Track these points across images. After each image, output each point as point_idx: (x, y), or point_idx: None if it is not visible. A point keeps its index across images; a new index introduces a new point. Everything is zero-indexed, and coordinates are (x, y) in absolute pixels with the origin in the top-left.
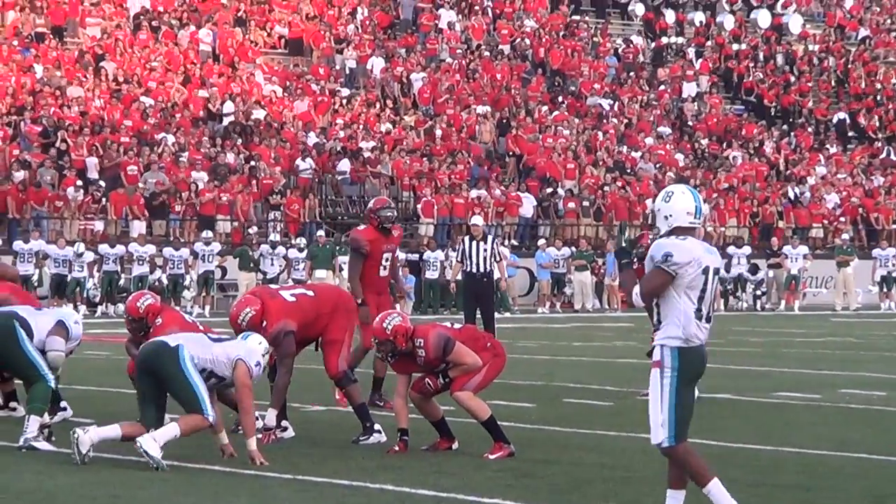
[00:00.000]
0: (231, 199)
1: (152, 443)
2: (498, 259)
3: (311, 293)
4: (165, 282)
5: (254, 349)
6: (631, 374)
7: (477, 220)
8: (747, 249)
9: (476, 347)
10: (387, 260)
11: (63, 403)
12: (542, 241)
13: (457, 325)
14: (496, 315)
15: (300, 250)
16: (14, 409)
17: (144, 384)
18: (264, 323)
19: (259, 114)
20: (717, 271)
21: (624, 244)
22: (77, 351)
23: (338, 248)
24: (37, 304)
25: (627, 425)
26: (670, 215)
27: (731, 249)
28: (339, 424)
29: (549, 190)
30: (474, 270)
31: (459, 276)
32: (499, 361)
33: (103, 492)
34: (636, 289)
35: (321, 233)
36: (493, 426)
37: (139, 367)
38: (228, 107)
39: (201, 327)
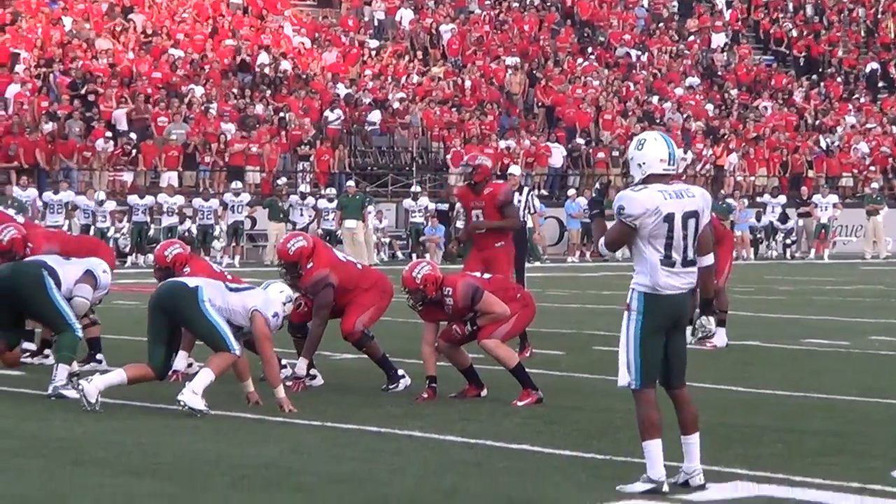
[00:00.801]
0: (260, 151)
1: (192, 396)
2: (532, 211)
3: (359, 266)
4: (195, 232)
5: (273, 298)
6: None
7: (514, 169)
8: (782, 199)
9: (505, 298)
10: (477, 217)
11: (99, 356)
12: (571, 191)
13: (486, 276)
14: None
15: (330, 200)
16: (47, 357)
17: (157, 322)
18: (310, 264)
19: (287, 65)
20: (690, 215)
21: (594, 195)
22: (106, 301)
23: (367, 198)
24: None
25: None
26: (643, 163)
27: (766, 198)
28: (367, 372)
29: (582, 141)
30: None
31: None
32: (528, 312)
33: (131, 439)
34: (602, 237)
35: (351, 183)
36: (522, 373)
37: (154, 306)
38: (264, 57)
39: (230, 277)
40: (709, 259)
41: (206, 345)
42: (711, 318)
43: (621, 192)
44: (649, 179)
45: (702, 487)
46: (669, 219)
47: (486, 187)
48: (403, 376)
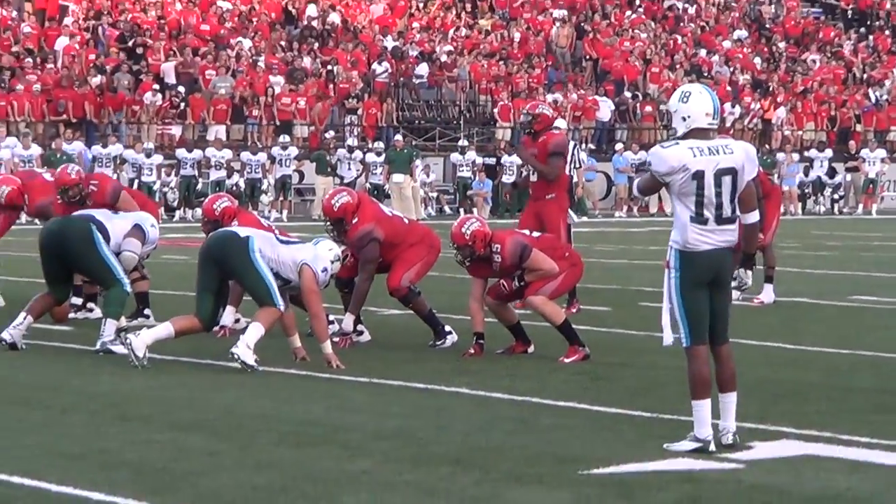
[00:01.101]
0: (308, 105)
1: (246, 350)
2: (577, 165)
3: (406, 220)
4: (243, 186)
5: (322, 255)
6: None
7: (560, 123)
8: (829, 153)
9: (554, 256)
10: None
11: (147, 311)
12: (618, 146)
13: (535, 234)
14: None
15: (378, 154)
16: (91, 311)
17: (208, 272)
18: (355, 219)
19: (335, 17)
20: (725, 172)
21: None
22: (154, 255)
23: (415, 152)
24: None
25: None
26: (688, 116)
27: (812, 153)
28: (414, 328)
29: (629, 94)
30: None
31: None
32: (576, 270)
33: (179, 394)
34: (637, 180)
35: (399, 137)
36: (569, 330)
37: (204, 255)
38: (312, 10)
39: (277, 231)
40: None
41: (252, 297)
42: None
43: (654, 149)
44: (692, 133)
45: (732, 447)
46: (699, 176)
47: (543, 135)
48: (451, 332)
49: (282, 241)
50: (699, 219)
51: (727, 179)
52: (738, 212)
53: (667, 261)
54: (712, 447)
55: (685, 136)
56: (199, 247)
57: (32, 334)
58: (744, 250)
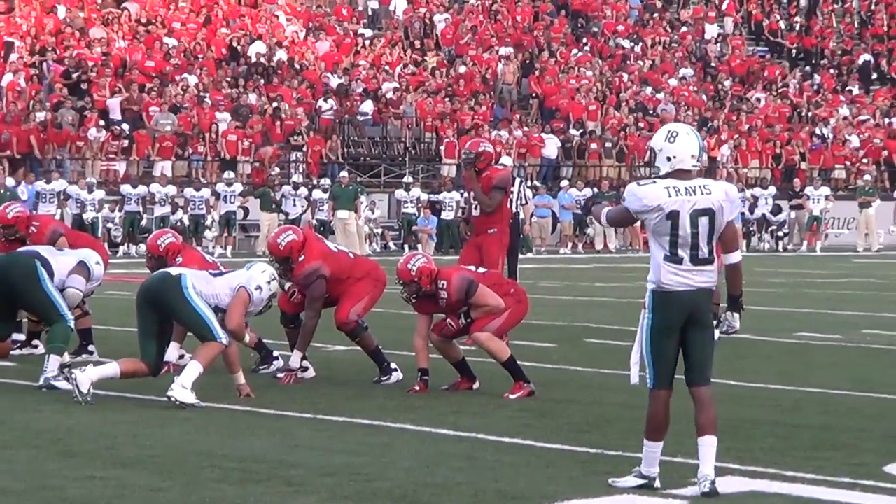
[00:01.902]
0: (253, 142)
1: (182, 390)
2: (524, 202)
3: (351, 255)
4: (187, 222)
5: (255, 276)
6: None
7: (506, 160)
8: (772, 190)
9: (499, 292)
10: (475, 200)
11: (91, 346)
12: (564, 183)
13: (481, 270)
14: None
15: (324, 191)
16: (35, 347)
17: (146, 317)
18: (301, 257)
19: (281, 55)
20: (702, 213)
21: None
22: (98, 291)
23: (360, 189)
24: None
25: None
26: (674, 156)
27: (757, 191)
28: (360, 364)
29: (578, 131)
30: None
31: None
32: (521, 308)
33: (123, 430)
34: (606, 210)
35: (344, 174)
36: (514, 366)
37: (141, 299)
38: (259, 47)
39: (222, 267)
40: (736, 256)
41: (193, 334)
42: (736, 315)
43: (629, 185)
44: (675, 174)
45: (710, 493)
46: (673, 216)
47: (486, 171)
48: (396, 369)
49: (215, 275)
50: (674, 258)
51: (704, 220)
52: (715, 253)
53: (643, 302)
54: (657, 483)
55: (666, 176)
56: (137, 291)
57: None
58: (729, 293)
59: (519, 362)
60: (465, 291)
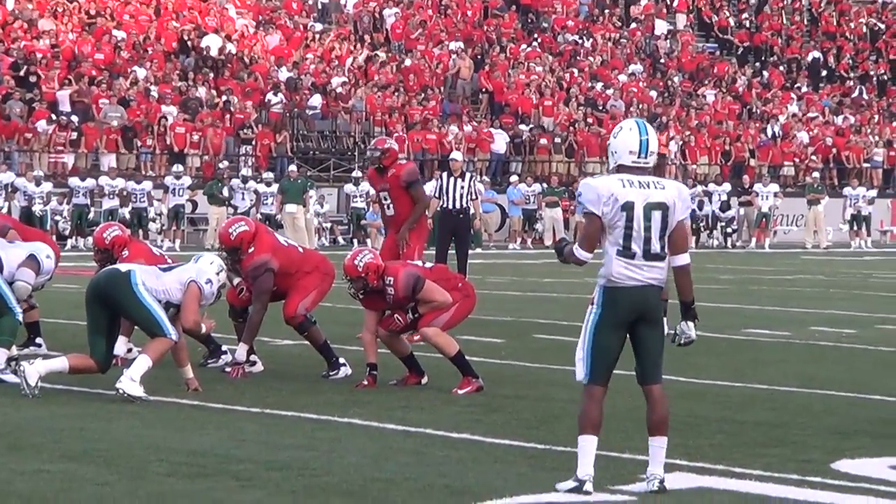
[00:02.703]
0: (202, 135)
1: (131, 383)
2: (473, 197)
3: (300, 249)
4: (128, 216)
5: (204, 269)
6: None
7: (456, 155)
8: (727, 187)
9: (447, 287)
10: (385, 199)
11: (39, 339)
12: (513, 178)
13: (428, 265)
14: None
15: (268, 185)
16: None
17: (95, 314)
18: (251, 248)
19: (231, 48)
20: (656, 206)
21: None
22: (46, 284)
23: (309, 183)
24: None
25: None
26: (615, 152)
27: (711, 187)
28: (308, 359)
29: (525, 127)
30: (451, 207)
31: (435, 211)
32: (468, 302)
33: (70, 424)
34: (573, 245)
35: (293, 168)
36: (462, 361)
37: (89, 296)
38: (211, 40)
39: (170, 261)
40: (684, 258)
41: (143, 330)
42: (690, 323)
43: (582, 181)
44: (620, 169)
45: (658, 492)
46: (628, 207)
47: (392, 169)
48: (344, 364)
49: (164, 269)
50: (626, 252)
51: (657, 214)
52: (666, 250)
53: (592, 298)
54: (588, 486)
55: (614, 171)
56: (86, 287)
57: None
58: (681, 298)
59: (467, 357)
60: (412, 287)
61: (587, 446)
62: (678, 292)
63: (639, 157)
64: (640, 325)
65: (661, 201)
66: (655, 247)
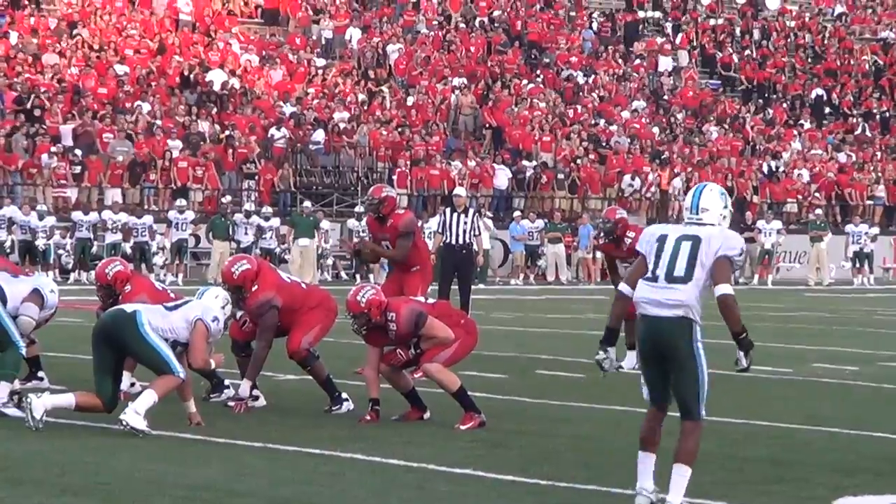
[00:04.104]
0: (205, 170)
1: (135, 416)
2: (477, 233)
3: (304, 285)
4: (129, 251)
5: (210, 305)
6: None
7: (460, 191)
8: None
9: (449, 324)
10: (387, 247)
11: (41, 374)
12: (516, 213)
13: (431, 300)
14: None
15: (266, 219)
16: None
17: (101, 353)
18: (255, 287)
19: (234, 83)
20: (687, 238)
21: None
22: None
23: (319, 218)
24: (17, 270)
25: (599, 397)
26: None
27: None
28: (311, 394)
29: (532, 163)
30: (454, 242)
31: (438, 247)
32: (470, 339)
33: (72, 458)
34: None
35: (307, 203)
36: (464, 397)
37: (97, 337)
38: (217, 75)
39: (172, 295)
40: (723, 288)
41: (150, 369)
42: (741, 353)
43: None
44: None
45: None
46: (662, 239)
47: (391, 218)
48: (347, 399)
49: (170, 308)
50: (651, 277)
51: (687, 244)
52: (693, 275)
53: None
54: (638, 500)
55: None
56: (92, 328)
57: None
58: (731, 331)
59: (470, 393)
60: (415, 323)
61: (642, 463)
62: (727, 323)
63: (691, 213)
64: (665, 362)
65: (694, 234)
66: (679, 271)
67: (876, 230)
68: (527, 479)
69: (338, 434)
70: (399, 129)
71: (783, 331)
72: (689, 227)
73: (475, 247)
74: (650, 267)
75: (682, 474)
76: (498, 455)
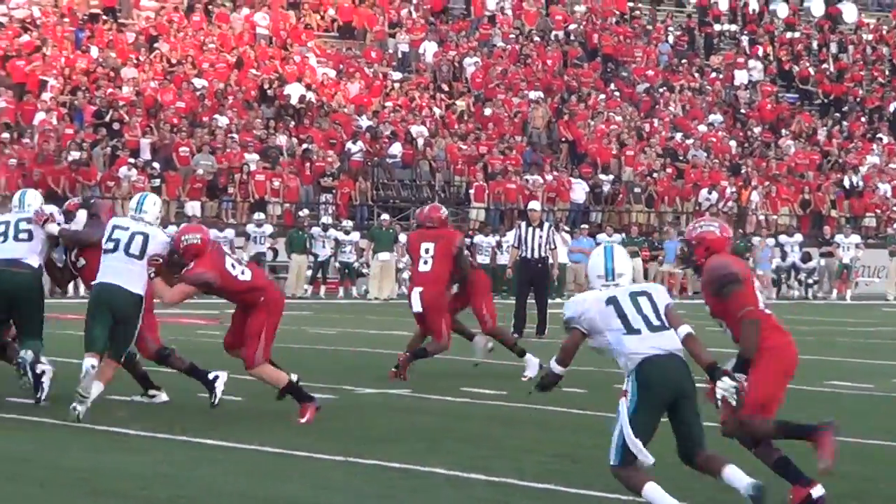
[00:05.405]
0: (283, 183)
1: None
2: (553, 246)
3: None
4: None
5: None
6: None
7: (534, 205)
8: (798, 237)
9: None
10: (427, 251)
11: (152, 391)
12: (583, 226)
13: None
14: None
15: (346, 233)
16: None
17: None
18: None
19: (311, 96)
20: (640, 294)
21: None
22: None
23: (398, 231)
24: None
25: None
26: (586, 275)
27: (782, 238)
28: (390, 407)
29: (604, 177)
30: (529, 256)
31: (514, 261)
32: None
33: (152, 470)
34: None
35: (385, 216)
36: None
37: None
38: (296, 89)
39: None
40: (684, 329)
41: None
42: (719, 381)
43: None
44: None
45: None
46: (612, 301)
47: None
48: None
49: None
50: (632, 330)
51: (643, 299)
52: (667, 324)
53: (624, 390)
54: None
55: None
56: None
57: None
58: (702, 366)
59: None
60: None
61: (650, 493)
62: (696, 360)
63: (607, 279)
64: (680, 400)
65: (642, 290)
66: (655, 322)
67: None
68: (608, 493)
69: (417, 447)
70: (476, 142)
71: (862, 346)
72: (631, 287)
73: (551, 260)
74: (620, 326)
75: (733, 467)
76: (579, 470)
